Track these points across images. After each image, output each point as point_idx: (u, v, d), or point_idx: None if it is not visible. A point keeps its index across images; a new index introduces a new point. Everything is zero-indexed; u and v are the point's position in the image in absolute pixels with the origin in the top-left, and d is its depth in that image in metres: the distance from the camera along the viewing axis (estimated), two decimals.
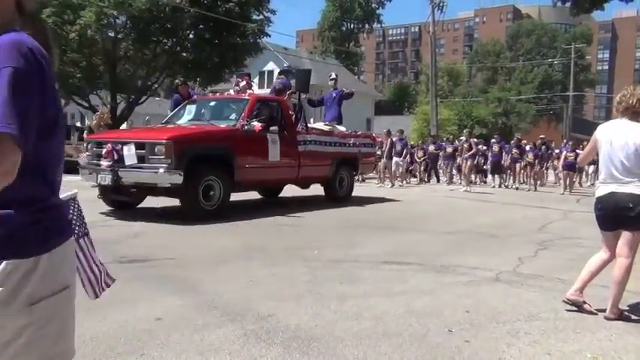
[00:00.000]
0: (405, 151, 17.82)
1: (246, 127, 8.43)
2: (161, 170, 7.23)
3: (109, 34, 23.23)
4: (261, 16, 25.01)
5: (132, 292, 4.05)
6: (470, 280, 4.79)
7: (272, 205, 10.29)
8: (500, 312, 3.86)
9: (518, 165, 17.70)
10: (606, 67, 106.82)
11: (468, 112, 51.09)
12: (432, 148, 19.67)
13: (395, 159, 17.92)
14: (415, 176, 20.03)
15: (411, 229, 7.88)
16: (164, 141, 7.39)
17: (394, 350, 3.09)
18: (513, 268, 5.28)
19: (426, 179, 19.65)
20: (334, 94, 11.70)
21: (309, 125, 10.27)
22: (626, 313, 3.81)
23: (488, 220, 9.23)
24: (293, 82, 10.93)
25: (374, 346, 3.15)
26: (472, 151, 15.91)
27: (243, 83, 10.35)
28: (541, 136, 20.53)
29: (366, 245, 6.34)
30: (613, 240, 3.83)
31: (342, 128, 11.26)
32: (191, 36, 24.66)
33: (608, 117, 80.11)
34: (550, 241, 6.99)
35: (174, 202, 8.26)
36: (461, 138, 18.70)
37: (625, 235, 3.73)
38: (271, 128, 8.78)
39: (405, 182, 18.21)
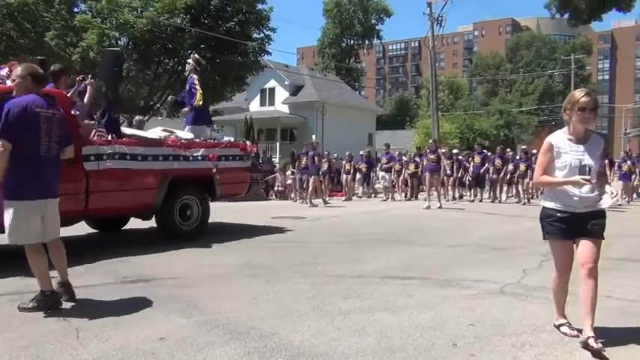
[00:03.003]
0: (391, 164, 17.92)
1: None
2: None
3: None
4: (262, 35, 25.28)
5: (135, 313, 4.05)
6: (474, 293, 4.76)
7: (274, 223, 10.27)
8: (505, 325, 3.83)
9: (501, 176, 16.57)
10: (607, 77, 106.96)
11: (470, 125, 51.19)
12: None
13: (381, 173, 18.07)
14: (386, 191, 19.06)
15: (415, 243, 7.85)
16: None
17: None
18: (518, 280, 5.25)
19: (408, 195, 18.26)
20: (188, 86, 8.88)
21: (125, 131, 7.43)
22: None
23: (492, 232, 9.20)
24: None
25: None
26: (445, 164, 14.90)
27: (5, 71, 6.46)
28: (523, 147, 19.74)
29: (369, 260, 6.32)
30: None
31: (185, 135, 8.18)
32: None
33: (610, 127, 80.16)
34: None
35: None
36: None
37: None
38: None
39: (391, 197, 17.99)
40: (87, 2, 23.67)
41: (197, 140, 8.06)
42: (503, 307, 4.30)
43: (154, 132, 8.07)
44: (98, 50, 21.17)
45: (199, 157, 7.79)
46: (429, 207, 13.47)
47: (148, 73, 24.90)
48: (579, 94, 3.51)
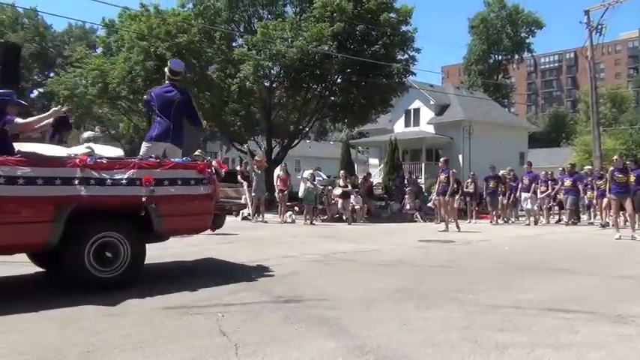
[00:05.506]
0: (533, 186, 16.67)
1: None
2: None
3: (265, 83, 25.06)
4: (406, 56, 25.30)
5: (289, 332, 4.17)
6: None
7: (422, 246, 10.08)
8: None
9: (606, 200, 14.10)
10: None
11: (637, 141, 46.38)
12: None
13: (524, 195, 16.86)
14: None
15: (578, 272, 7.20)
16: None
17: None
18: None
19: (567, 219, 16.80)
20: (170, 94, 7.21)
21: (21, 148, 5.44)
22: None
23: None
24: None
25: None
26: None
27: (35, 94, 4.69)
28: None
29: (526, 289, 5.90)
30: None
31: (112, 152, 6.47)
32: (339, 80, 25.69)
33: None
34: None
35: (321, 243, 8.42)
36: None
37: None
38: None
39: (541, 221, 16.79)
40: (243, 37, 25.64)
41: (123, 159, 6.18)
42: None
43: (78, 149, 6.14)
44: (254, 80, 22.73)
45: (123, 181, 5.69)
46: (620, 237, 11.28)
47: (297, 99, 26.16)
48: None
